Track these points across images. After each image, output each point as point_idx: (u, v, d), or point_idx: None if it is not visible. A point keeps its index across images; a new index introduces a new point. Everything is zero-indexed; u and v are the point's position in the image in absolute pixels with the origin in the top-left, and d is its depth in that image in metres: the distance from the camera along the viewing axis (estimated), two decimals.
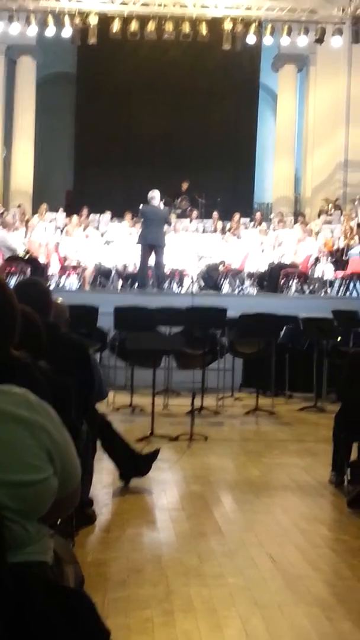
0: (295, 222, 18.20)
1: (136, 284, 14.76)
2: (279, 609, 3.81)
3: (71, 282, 15.41)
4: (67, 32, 18.53)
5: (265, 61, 22.76)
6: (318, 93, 22.11)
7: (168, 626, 3.55)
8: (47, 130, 22.72)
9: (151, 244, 14.26)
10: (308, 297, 14.71)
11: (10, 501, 1.87)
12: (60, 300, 5.19)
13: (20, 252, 14.50)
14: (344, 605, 3.84)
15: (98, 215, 18.13)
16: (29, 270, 13.91)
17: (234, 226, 17.65)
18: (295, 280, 15.07)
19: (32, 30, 18.77)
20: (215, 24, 18.51)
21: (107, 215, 18.21)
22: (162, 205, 15.02)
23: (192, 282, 15.15)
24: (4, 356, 2.25)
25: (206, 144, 22.50)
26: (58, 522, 2.44)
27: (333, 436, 6.45)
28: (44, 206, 18.35)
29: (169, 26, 18.38)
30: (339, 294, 15.00)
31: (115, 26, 18.33)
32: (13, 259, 14.24)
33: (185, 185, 19.97)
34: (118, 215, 18.16)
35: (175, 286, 15.48)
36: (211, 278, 15.50)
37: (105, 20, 18.36)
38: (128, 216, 17.34)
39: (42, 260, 15.01)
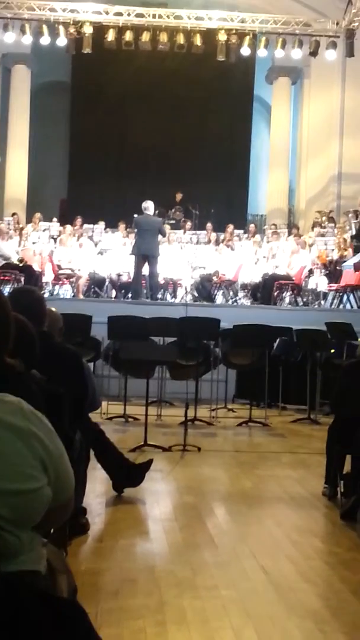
0: (289, 234, 18.26)
1: (130, 294, 14.75)
2: (271, 621, 3.79)
3: (65, 290, 15.41)
4: (62, 41, 18.62)
5: (259, 73, 22.87)
6: (312, 106, 22.22)
7: (161, 637, 3.53)
8: (41, 139, 22.75)
9: (145, 254, 14.26)
10: (301, 309, 14.71)
11: (4, 510, 1.85)
12: (53, 309, 5.17)
13: (15, 261, 14.49)
14: (337, 618, 3.82)
15: (92, 225, 18.13)
16: (22, 278, 13.89)
17: (228, 237, 17.69)
18: (288, 292, 15.09)
19: (27, 39, 18.87)
20: (209, 35, 18.63)
21: (101, 225, 18.22)
22: (156, 216, 15.04)
23: (186, 292, 15.16)
24: None
25: (200, 155, 22.57)
26: (51, 531, 2.43)
27: (326, 448, 6.43)
28: (37, 215, 18.39)
29: (163, 37, 18.50)
30: (333, 306, 15.02)
31: (110, 36, 18.40)
32: (7, 267, 14.23)
33: (179, 196, 20.02)
34: (111, 225, 18.18)
35: (168, 296, 15.49)
36: (205, 289, 15.51)
37: (100, 29, 18.46)
38: (122, 226, 17.37)
39: (36, 268, 14.99)
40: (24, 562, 1.93)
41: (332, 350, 11.08)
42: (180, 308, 13.00)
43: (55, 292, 15.21)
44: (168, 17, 18.55)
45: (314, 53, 18.87)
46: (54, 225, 18.36)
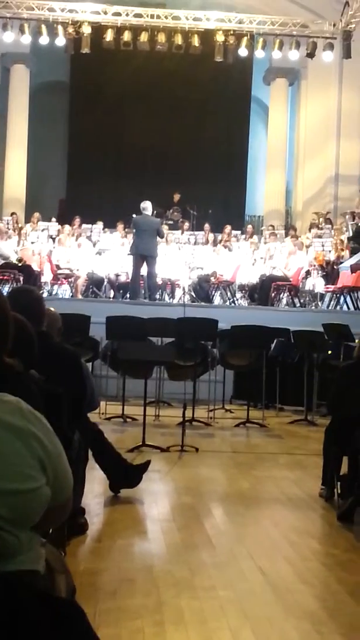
0: (287, 235, 18.27)
1: (128, 294, 14.75)
2: (268, 622, 3.79)
3: (63, 290, 15.42)
4: (60, 41, 18.63)
5: (257, 74, 22.90)
6: (309, 107, 22.24)
7: (159, 637, 3.53)
8: (40, 138, 22.74)
9: (143, 254, 14.26)
10: (299, 310, 14.72)
11: (2, 510, 1.85)
12: (52, 309, 5.17)
13: (13, 260, 14.50)
14: (334, 620, 3.82)
15: (90, 225, 18.14)
16: (21, 278, 13.90)
17: (226, 238, 17.69)
18: (286, 293, 15.10)
19: (26, 39, 18.88)
20: (207, 36, 18.65)
21: (99, 225, 18.23)
22: (154, 216, 15.05)
23: (184, 293, 15.16)
24: None
25: (198, 155, 22.60)
26: (50, 531, 2.43)
27: (323, 450, 6.44)
28: (36, 215, 18.40)
29: (161, 37, 18.51)
30: (330, 307, 15.03)
31: (109, 36, 18.42)
32: (6, 266, 14.23)
33: (177, 197, 20.03)
34: (110, 225, 18.19)
35: (166, 297, 15.50)
36: (202, 289, 15.51)
37: (98, 30, 18.47)
38: (120, 226, 17.37)
39: (34, 268, 14.99)
40: (23, 561, 1.93)
41: (329, 352, 11.08)
42: (178, 308, 13.00)
43: (53, 292, 15.22)
44: (166, 17, 18.58)
45: (311, 54, 18.89)
46: (53, 225, 18.37)
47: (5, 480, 1.86)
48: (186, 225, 18.61)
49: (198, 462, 7.72)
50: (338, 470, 6.11)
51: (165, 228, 16.70)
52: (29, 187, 21.84)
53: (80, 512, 5.16)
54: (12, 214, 19.23)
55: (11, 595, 1.78)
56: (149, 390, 8.73)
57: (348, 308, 14.69)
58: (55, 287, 15.43)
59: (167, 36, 18.54)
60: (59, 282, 15.45)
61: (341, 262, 15.77)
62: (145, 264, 14.32)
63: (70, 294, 15.23)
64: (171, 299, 15.43)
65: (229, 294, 15.69)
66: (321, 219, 19.96)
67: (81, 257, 15.88)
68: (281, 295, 15.09)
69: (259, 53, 19.13)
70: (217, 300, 15.63)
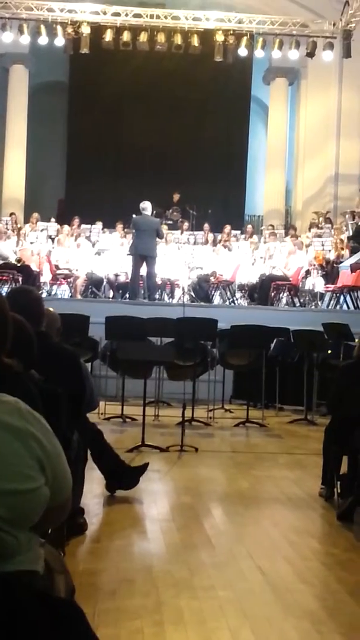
0: (286, 234, 18.26)
1: (127, 294, 14.75)
2: (268, 621, 3.79)
3: (63, 291, 15.41)
4: (59, 42, 18.62)
5: (256, 74, 22.89)
6: (309, 106, 22.23)
7: (158, 637, 3.53)
8: (39, 139, 22.74)
9: (142, 254, 14.26)
10: (298, 309, 14.72)
11: (1, 510, 1.85)
12: (51, 309, 5.17)
13: (12, 261, 14.50)
14: (334, 619, 3.82)
15: (90, 225, 18.14)
16: (20, 278, 13.90)
17: (225, 238, 17.69)
18: (285, 293, 15.10)
19: (25, 39, 18.88)
20: (207, 36, 18.64)
21: (99, 225, 18.23)
22: (153, 216, 15.05)
23: (183, 293, 15.16)
24: None
25: (198, 155, 22.59)
26: (49, 532, 2.43)
27: (323, 449, 6.44)
28: (35, 215, 18.39)
29: (161, 37, 18.50)
30: (329, 306, 15.03)
31: (108, 36, 18.41)
32: (5, 267, 14.23)
33: (176, 197, 20.03)
34: (109, 225, 18.19)
35: (166, 297, 15.49)
36: (202, 289, 15.51)
37: (97, 30, 18.46)
38: (119, 226, 17.37)
39: (33, 268, 14.99)
40: (22, 562, 1.93)
41: (329, 351, 11.08)
42: (178, 308, 13.00)
43: (53, 292, 15.22)
44: (165, 17, 18.57)
45: (311, 54, 18.89)
46: (52, 225, 18.38)
47: (4, 480, 1.86)
48: (186, 225, 18.62)
49: (197, 462, 7.72)
50: (338, 469, 6.11)
51: (164, 228, 16.70)
52: (28, 187, 21.84)
53: (80, 512, 5.16)
54: (11, 214, 19.22)
55: (10, 595, 1.78)
56: (149, 390, 8.73)
57: (348, 307, 14.69)
58: (55, 287, 15.43)
59: (167, 36, 18.54)
60: (58, 282, 15.45)
61: (341, 262, 15.77)
62: (144, 264, 14.32)
63: (70, 294, 15.23)
64: (171, 299, 15.43)
65: (228, 293, 15.69)
66: (321, 219, 19.96)
67: (80, 257, 15.88)
68: (281, 295, 15.09)
69: (259, 53, 19.12)
70: (216, 300, 15.63)
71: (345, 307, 14.76)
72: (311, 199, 22.09)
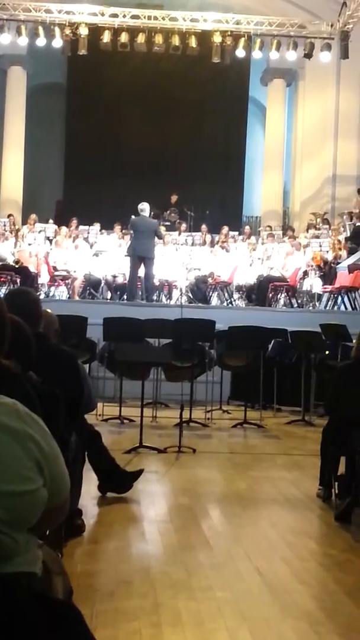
0: (284, 235, 18.28)
1: (125, 295, 14.76)
2: (266, 622, 3.80)
3: (60, 292, 15.41)
4: (57, 43, 18.61)
5: (254, 75, 22.89)
6: (307, 107, 22.25)
7: (156, 638, 3.53)
8: (37, 140, 22.74)
9: (141, 255, 14.26)
10: (296, 310, 14.73)
11: (0, 512, 1.85)
12: (49, 310, 5.17)
13: (10, 262, 14.50)
14: (332, 620, 3.83)
15: (88, 226, 18.14)
16: (18, 279, 13.90)
17: (223, 239, 17.70)
18: (283, 294, 15.11)
19: (23, 41, 18.87)
20: (204, 37, 18.65)
21: (97, 226, 18.24)
22: (151, 218, 15.06)
23: (181, 294, 15.16)
24: None
25: (195, 156, 22.59)
26: (47, 533, 2.43)
27: (321, 450, 6.44)
28: (33, 216, 18.39)
29: (158, 39, 18.50)
30: (327, 307, 15.04)
31: (106, 37, 18.42)
32: (3, 268, 14.23)
33: (174, 198, 20.04)
34: (107, 226, 18.19)
35: (164, 298, 15.50)
36: (200, 290, 15.52)
37: (95, 31, 18.46)
38: (117, 228, 17.39)
39: (31, 270, 14.99)
40: (20, 563, 1.93)
41: (327, 352, 11.08)
42: (176, 310, 12.99)
43: (50, 294, 15.21)
44: (163, 18, 18.58)
45: (308, 55, 18.90)
46: (50, 227, 18.37)
47: (2, 482, 1.87)
48: (183, 226, 18.62)
49: (195, 463, 7.72)
50: (335, 470, 6.12)
51: (162, 229, 16.71)
52: (26, 189, 21.84)
53: (77, 514, 5.16)
54: (9, 215, 19.21)
55: (8, 597, 1.78)
56: (146, 392, 8.74)
57: (345, 308, 14.71)
58: (52, 288, 15.43)
59: (165, 37, 18.55)
60: (56, 283, 15.45)
61: (339, 263, 15.78)
62: (142, 265, 14.32)
63: (68, 296, 15.23)
64: (168, 300, 15.44)
65: (226, 294, 15.70)
66: (319, 220, 19.98)
67: (78, 259, 15.88)
68: (279, 296, 15.10)
69: (257, 54, 19.14)
70: (214, 301, 15.64)
71: (342, 308, 14.78)
72: (309, 200, 22.11)
